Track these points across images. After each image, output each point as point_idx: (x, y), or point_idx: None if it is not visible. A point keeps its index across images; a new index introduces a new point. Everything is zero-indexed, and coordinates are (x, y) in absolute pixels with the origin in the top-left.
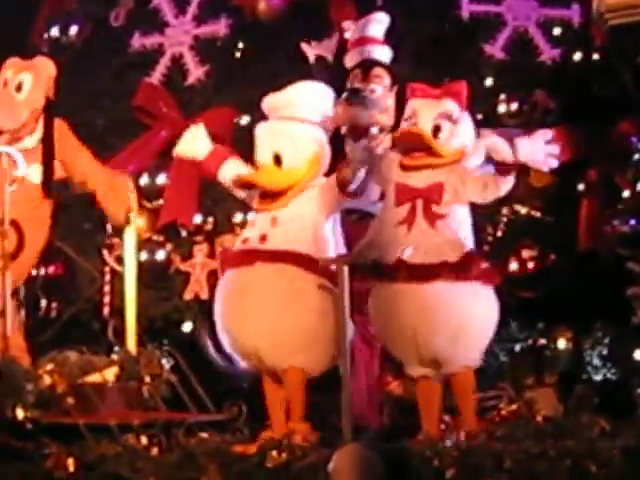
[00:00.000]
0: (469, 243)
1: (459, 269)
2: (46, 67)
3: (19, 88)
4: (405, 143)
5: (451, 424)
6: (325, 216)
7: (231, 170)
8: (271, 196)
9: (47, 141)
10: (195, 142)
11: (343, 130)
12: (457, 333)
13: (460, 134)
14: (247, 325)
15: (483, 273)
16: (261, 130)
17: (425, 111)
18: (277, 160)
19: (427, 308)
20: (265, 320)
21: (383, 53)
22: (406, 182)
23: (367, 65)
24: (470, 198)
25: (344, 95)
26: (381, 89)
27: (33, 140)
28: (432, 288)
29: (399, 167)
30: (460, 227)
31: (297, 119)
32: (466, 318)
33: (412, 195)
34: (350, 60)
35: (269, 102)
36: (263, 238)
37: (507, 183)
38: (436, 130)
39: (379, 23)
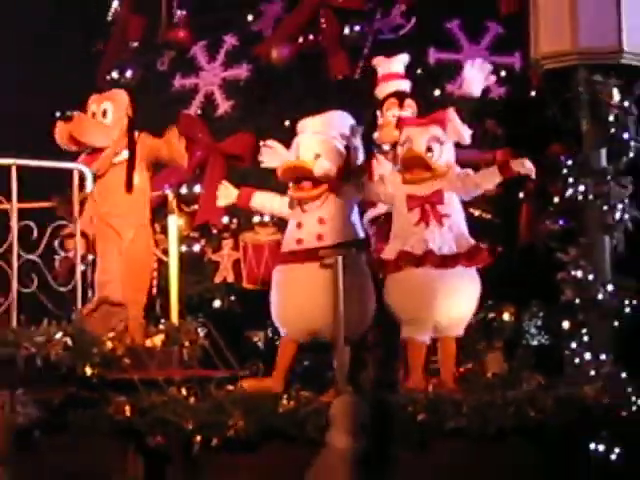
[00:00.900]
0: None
1: (470, 258)
2: (121, 95)
3: (104, 114)
4: (407, 162)
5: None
6: (352, 212)
7: (260, 199)
8: (307, 194)
9: (131, 149)
10: (226, 193)
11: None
12: (457, 307)
13: (446, 151)
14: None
15: (484, 259)
16: (304, 138)
17: (418, 136)
18: (317, 157)
19: (448, 290)
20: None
21: (408, 86)
22: (414, 192)
23: (401, 95)
24: (465, 196)
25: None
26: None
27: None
28: (452, 272)
29: (402, 182)
30: (460, 222)
31: (330, 136)
32: (470, 297)
33: (420, 202)
34: (382, 91)
35: (306, 122)
36: (320, 237)
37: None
38: (428, 150)
39: (402, 62)
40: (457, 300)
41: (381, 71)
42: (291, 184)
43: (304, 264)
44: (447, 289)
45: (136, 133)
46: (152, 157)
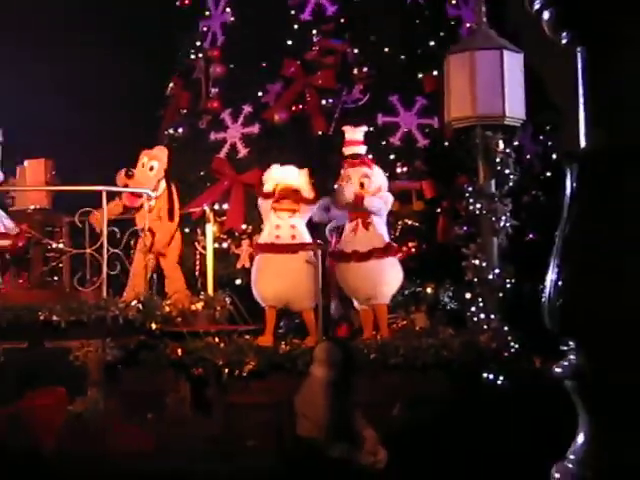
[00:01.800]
0: (386, 237)
1: (384, 251)
2: (164, 153)
3: (151, 169)
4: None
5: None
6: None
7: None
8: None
9: (169, 191)
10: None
11: None
12: (382, 285)
13: (374, 182)
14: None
15: (395, 252)
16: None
17: (354, 175)
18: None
19: (367, 274)
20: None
21: (363, 150)
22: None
23: (355, 156)
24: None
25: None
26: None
27: (158, 193)
28: (371, 263)
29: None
30: (382, 228)
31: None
32: (387, 277)
33: (356, 215)
34: (345, 152)
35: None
36: (293, 237)
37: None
38: (361, 185)
39: (361, 132)
40: (376, 281)
41: (346, 137)
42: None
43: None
44: (366, 275)
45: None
46: None
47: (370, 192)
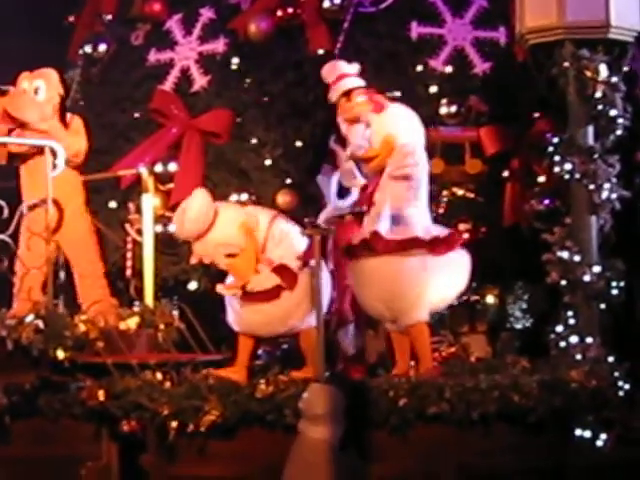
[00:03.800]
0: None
1: (422, 243)
2: (52, 73)
3: (36, 92)
4: None
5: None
6: None
7: None
8: None
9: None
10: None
11: None
12: (416, 295)
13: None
14: None
15: (442, 247)
16: None
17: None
18: None
19: (393, 277)
20: None
21: (357, 82)
22: None
23: (347, 92)
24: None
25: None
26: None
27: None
28: (396, 260)
29: None
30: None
31: None
32: (425, 282)
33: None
34: (332, 96)
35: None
36: None
37: None
38: None
39: (351, 66)
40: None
41: (329, 79)
42: None
43: None
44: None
45: (68, 114)
46: None
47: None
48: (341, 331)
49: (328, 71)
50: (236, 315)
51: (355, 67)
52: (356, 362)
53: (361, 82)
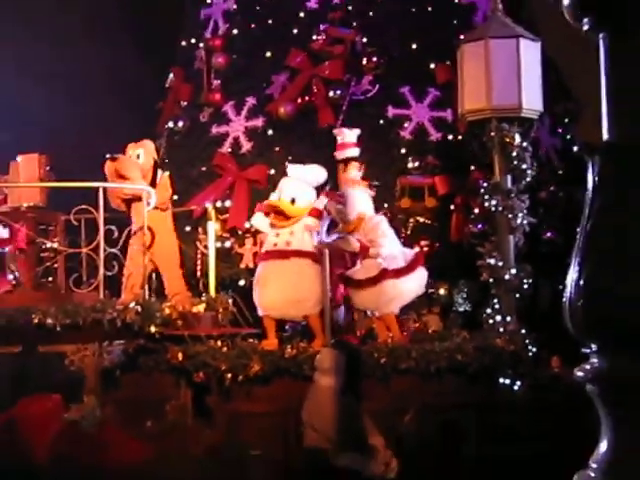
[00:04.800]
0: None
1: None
2: (149, 143)
3: (138, 157)
4: None
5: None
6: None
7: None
8: (285, 219)
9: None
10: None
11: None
12: (390, 302)
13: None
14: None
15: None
16: (286, 182)
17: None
18: (292, 201)
19: (375, 297)
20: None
21: (356, 152)
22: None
23: (345, 161)
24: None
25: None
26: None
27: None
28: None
29: None
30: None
31: (306, 182)
32: (395, 293)
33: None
34: (337, 156)
35: (293, 168)
36: (288, 243)
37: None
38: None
39: (354, 134)
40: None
41: (339, 140)
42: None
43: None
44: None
45: (159, 172)
46: None
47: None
48: (335, 311)
49: (337, 133)
50: None
51: (356, 132)
52: (348, 334)
53: (356, 152)
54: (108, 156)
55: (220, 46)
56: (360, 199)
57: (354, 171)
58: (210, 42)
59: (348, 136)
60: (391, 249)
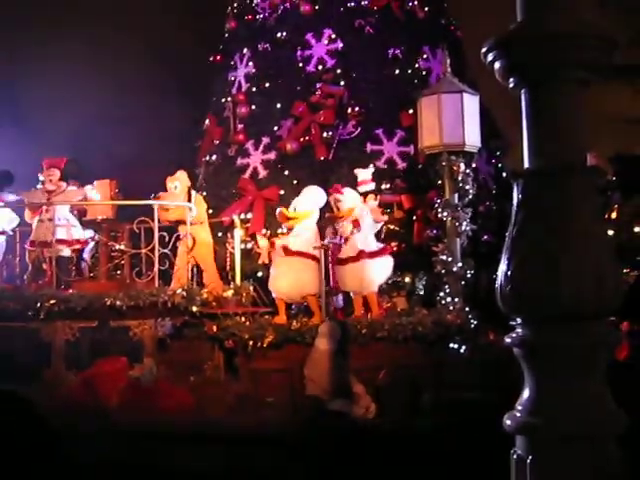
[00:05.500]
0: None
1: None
2: (183, 174)
3: (175, 188)
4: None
5: (366, 313)
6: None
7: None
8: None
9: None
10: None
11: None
12: (367, 280)
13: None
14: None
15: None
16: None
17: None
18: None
19: (356, 273)
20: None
21: (372, 186)
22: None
23: (364, 195)
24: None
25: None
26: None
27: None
28: (358, 263)
29: None
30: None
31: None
32: (371, 274)
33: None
34: (360, 190)
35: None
36: (293, 245)
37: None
38: (337, 208)
39: (369, 172)
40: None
41: (359, 178)
42: None
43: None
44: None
45: (194, 193)
46: None
47: (343, 212)
48: (335, 298)
49: (357, 173)
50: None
51: (370, 171)
52: (341, 311)
53: (372, 186)
54: (153, 195)
55: (243, 100)
56: (353, 200)
57: (371, 201)
58: (235, 96)
59: (362, 174)
60: (367, 236)
